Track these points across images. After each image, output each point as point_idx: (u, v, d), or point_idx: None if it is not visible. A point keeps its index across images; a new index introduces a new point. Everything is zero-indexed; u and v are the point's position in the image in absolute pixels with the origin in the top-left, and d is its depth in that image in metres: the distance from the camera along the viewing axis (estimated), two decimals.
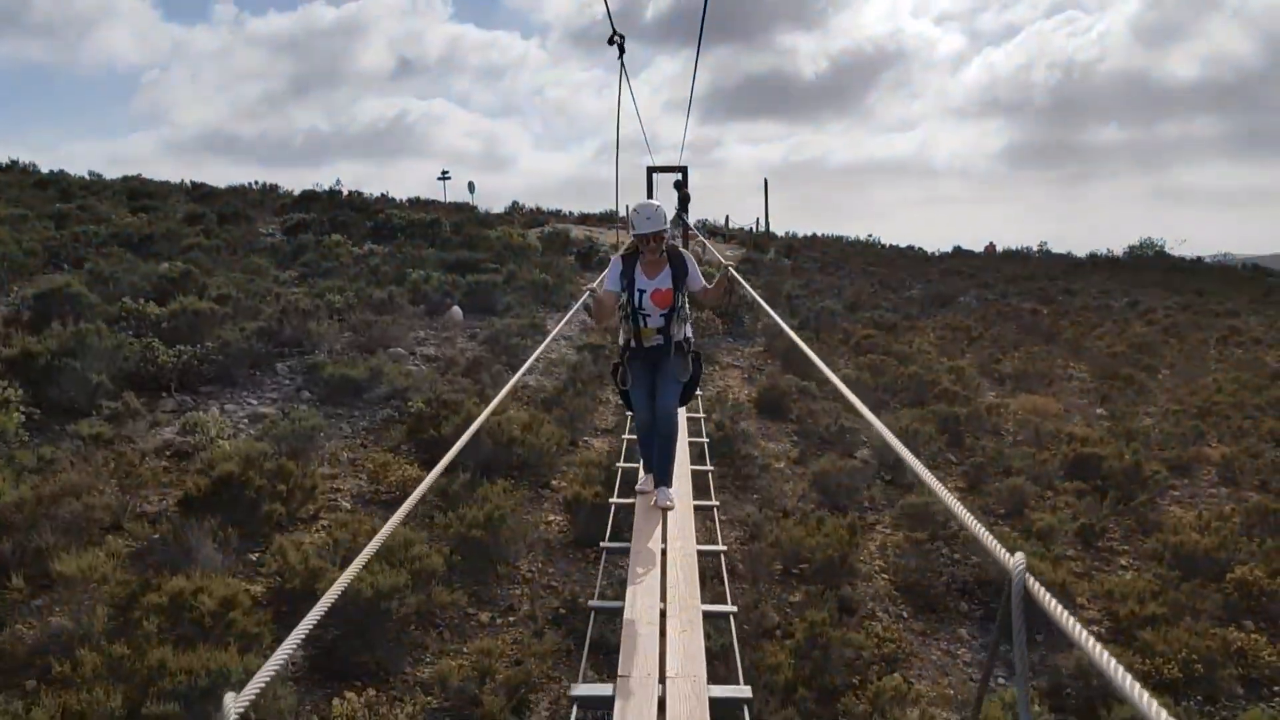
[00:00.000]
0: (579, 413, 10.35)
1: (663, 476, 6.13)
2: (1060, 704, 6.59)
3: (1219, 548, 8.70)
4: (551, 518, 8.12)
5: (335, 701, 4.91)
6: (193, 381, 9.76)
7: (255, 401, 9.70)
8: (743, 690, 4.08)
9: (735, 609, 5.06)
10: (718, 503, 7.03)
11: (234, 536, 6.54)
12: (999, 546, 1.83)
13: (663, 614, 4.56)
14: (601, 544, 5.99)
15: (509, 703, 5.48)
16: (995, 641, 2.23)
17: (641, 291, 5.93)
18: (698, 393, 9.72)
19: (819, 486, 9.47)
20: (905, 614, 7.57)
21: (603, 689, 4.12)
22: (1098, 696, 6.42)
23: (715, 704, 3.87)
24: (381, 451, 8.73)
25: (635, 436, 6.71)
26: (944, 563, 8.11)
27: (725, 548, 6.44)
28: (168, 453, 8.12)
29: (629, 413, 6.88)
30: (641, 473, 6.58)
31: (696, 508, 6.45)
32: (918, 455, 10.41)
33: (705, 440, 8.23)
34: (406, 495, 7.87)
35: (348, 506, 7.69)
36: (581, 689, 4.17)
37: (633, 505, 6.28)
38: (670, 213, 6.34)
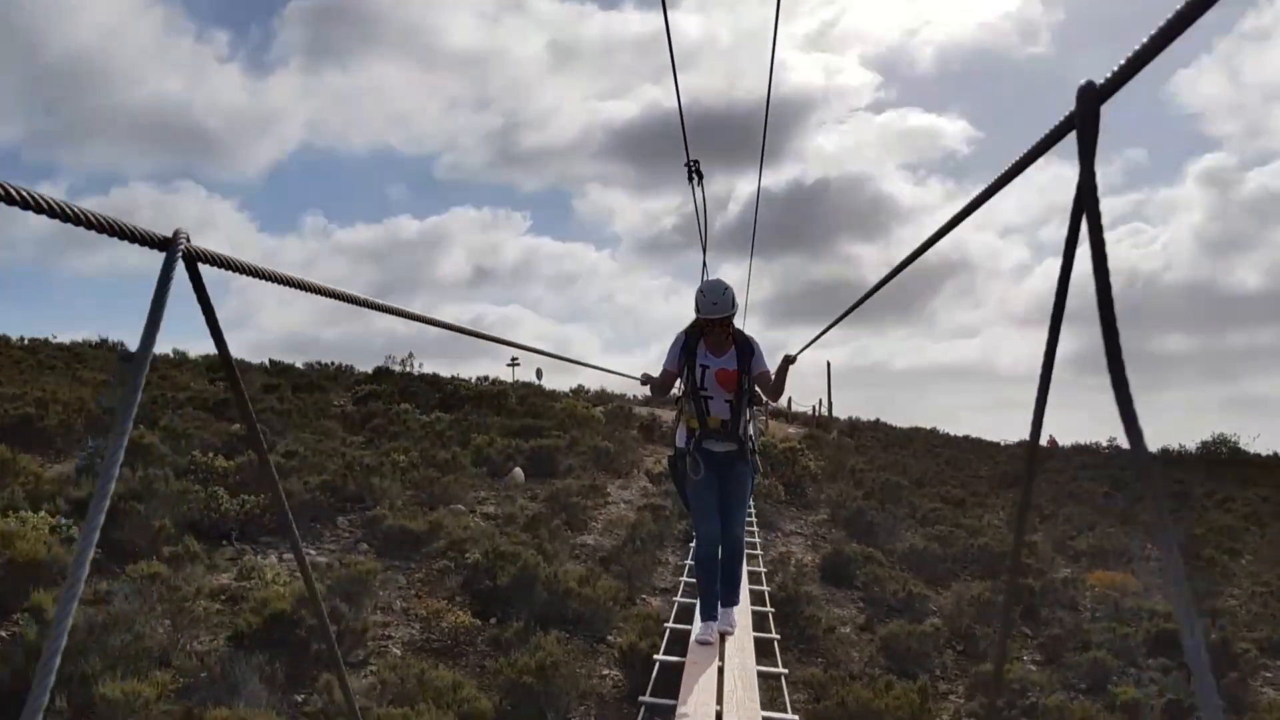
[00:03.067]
0: (637, 570, 10.14)
1: (728, 595, 5.65)
2: None
3: None
4: (606, 672, 7.84)
5: None
6: (254, 532, 9.80)
7: (314, 551, 9.68)
8: None
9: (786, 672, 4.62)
10: (785, 670, 5.97)
11: (280, 674, 6.40)
12: None
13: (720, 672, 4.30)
14: (642, 699, 5.15)
15: None
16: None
17: (705, 368, 5.44)
18: (760, 568, 9.45)
19: (887, 652, 9.06)
20: None
21: None
22: None
23: None
24: (435, 601, 8.58)
25: (692, 579, 6.35)
26: None
27: (796, 718, 5.42)
28: (223, 596, 8.07)
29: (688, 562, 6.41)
30: (698, 620, 5.93)
31: (760, 674, 5.59)
32: (988, 625, 9.96)
33: (769, 610, 7.75)
34: (458, 642, 7.71)
35: (398, 652, 7.51)
36: None
37: (681, 665, 5.41)
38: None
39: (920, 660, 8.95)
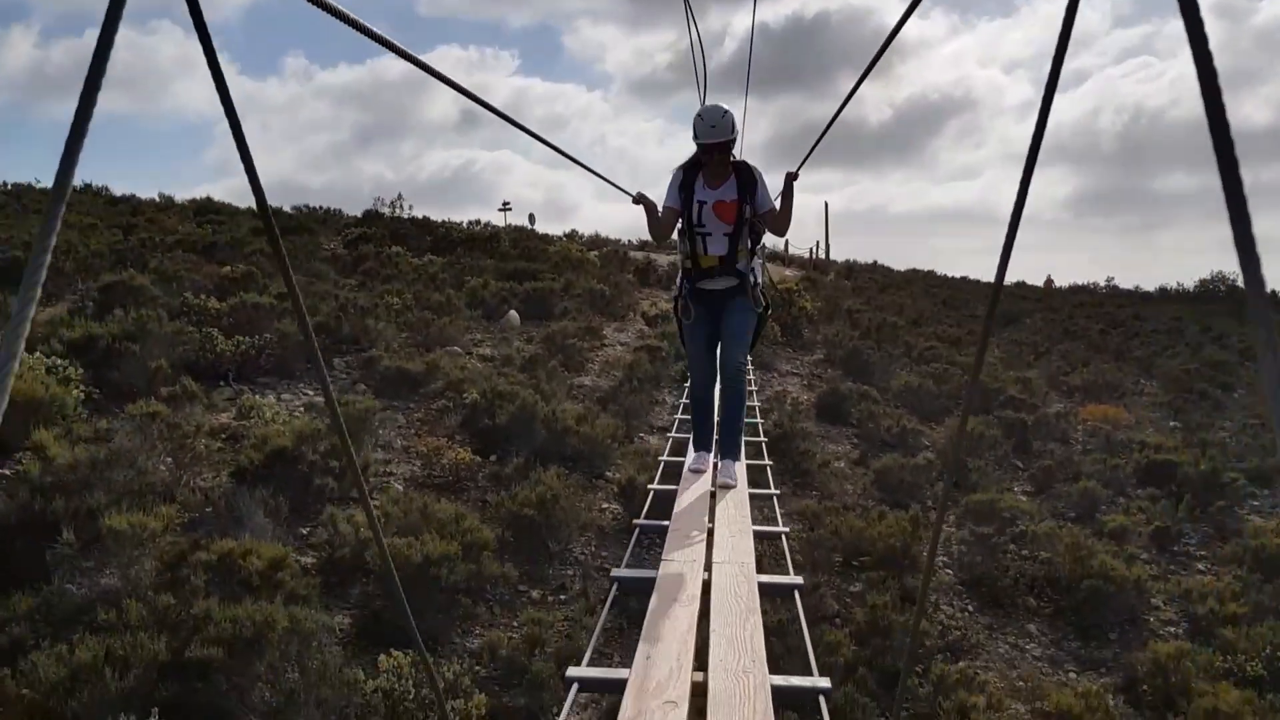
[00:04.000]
0: (634, 409, 10.21)
1: (727, 447, 5.32)
2: (1135, 700, 6.27)
3: None
4: (605, 505, 7.97)
5: (381, 657, 4.78)
6: (250, 372, 9.80)
7: (311, 392, 9.70)
8: (795, 579, 3.91)
9: (787, 530, 4.64)
10: (778, 491, 5.95)
11: (284, 507, 6.48)
12: None
13: (710, 533, 4.34)
14: (636, 521, 5.05)
15: (558, 671, 5.31)
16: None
17: (701, 204, 5.09)
18: (755, 403, 9.47)
19: (880, 485, 9.21)
20: (970, 607, 7.29)
21: (646, 573, 3.93)
22: (1176, 691, 6.11)
23: (765, 588, 3.67)
24: (435, 439, 8.65)
25: (687, 416, 6.11)
26: (1011, 559, 7.80)
27: (787, 529, 5.46)
28: (223, 435, 8.12)
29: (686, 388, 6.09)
30: (691, 450, 5.67)
31: (752, 496, 5.88)
32: (979, 458, 10.10)
33: (762, 440, 7.88)
34: (459, 478, 7.81)
35: (400, 488, 7.61)
36: (623, 573, 4.00)
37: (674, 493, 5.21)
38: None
39: (912, 492, 9.11)
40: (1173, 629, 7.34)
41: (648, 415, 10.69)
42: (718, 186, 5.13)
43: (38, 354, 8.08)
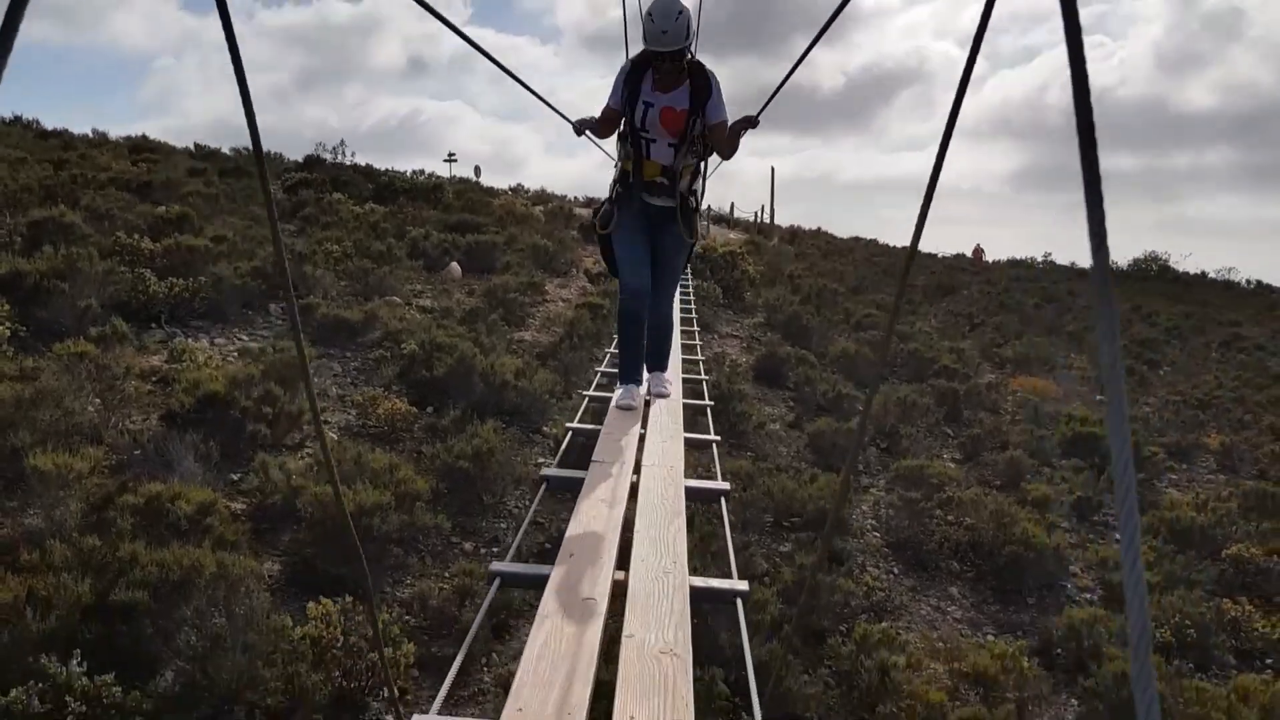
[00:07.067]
0: (574, 366, 10.22)
1: (656, 361, 5.15)
2: (1049, 663, 6.47)
3: (1215, 525, 8.60)
4: (541, 459, 7.99)
5: (310, 604, 4.78)
6: (183, 315, 9.61)
7: (246, 337, 9.57)
8: (721, 484, 3.97)
9: (728, 486, 4.55)
10: (718, 437, 5.64)
11: (216, 452, 6.40)
12: None
13: (641, 438, 4.36)
14: (544, 470, 4.70)
15: (489, 623, 5.35)
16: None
17: (648, 105, 4.65)
18: (699, 357, 9.55)
19: (814, 447, 9.35)
20: (896, 570, 7.45)
21: (575, 473, 3.97)
22: (1088, 654, 6.32)
23: (692, 493, 3.73)
24: (371, 389, 8.59)
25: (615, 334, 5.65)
26: (938, 524, 7.98)
27: (718, 438, 5.43)
28: (154, 378, 7.98)
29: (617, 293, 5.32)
30: (619, 384, 5.27)
31: (689, 441, 5.89)
32: (912, 425, 10.28)
33: (704, 378, 7.99)
34: (395, 429, 7.76)
35: (334, 436, 7.56)
36: (553, 471, 4.03)
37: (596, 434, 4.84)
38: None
39: (844, 455, 9.24)
40: (1089, 595, 7.57)
41: (587, 372, 10.69)
42: (668, 91, 4.70)
43: None
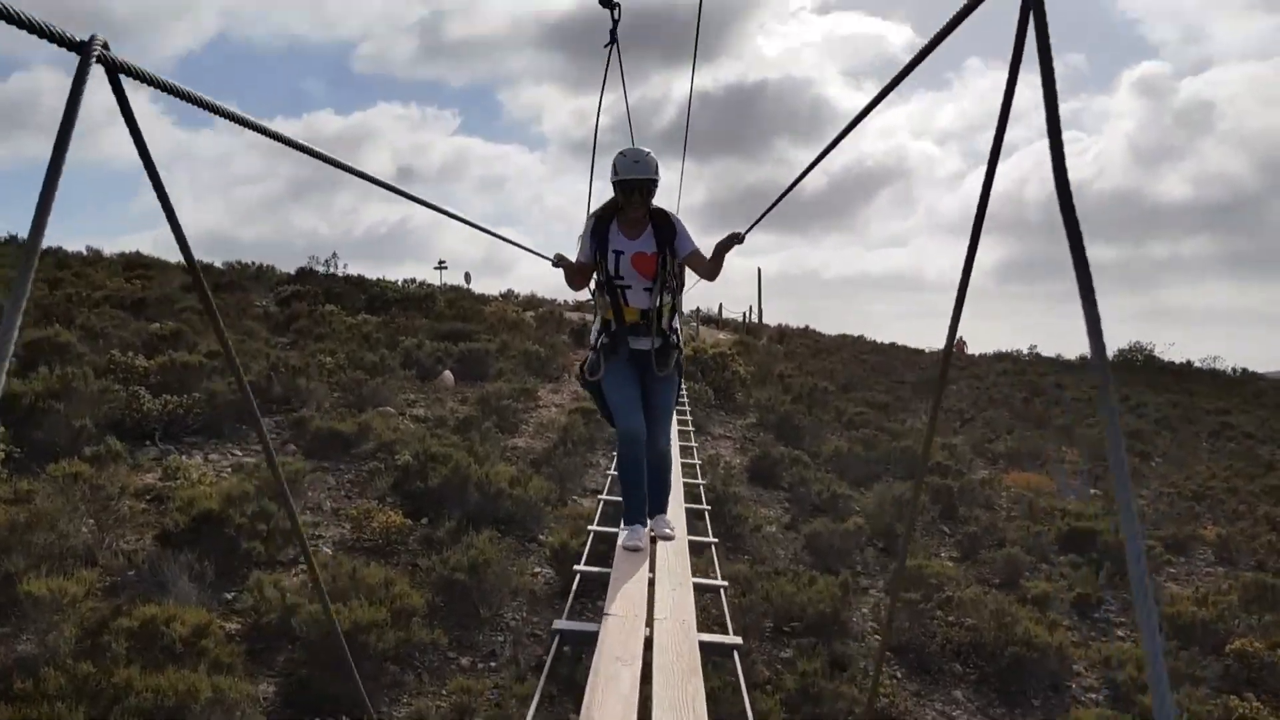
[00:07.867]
0: (569, 472, 10.22)
1: (657, 504, 5.22)
2: None
3: (1217, 619, 8.55)
4: (538, 569, 7.95)
5: None
6: (178, 432, 9.63)
7: (240, 453, 9.57)
8: (733, 638, 3.94)
9: (726, 584, 4.58)
10: (725, 584, 5.60)
11: (210, 570, 6.36)
12: None
13: (651, 583, 4.34)
14: (556, 625, 4.39)
15: None
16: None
17: (619, 254, 4.79)
18: (695, 461, 9.60)
19: (811, 549, 9.32)
20: (899, 674, 7.37)
21: (588, 626, 3.93)
22: None
23: (705, 647, 3.70)
24: (366, 501, 8.57)
25: (616, 474, 5.70)
26: (938, 625, 7.92)
27: (725, 583, 5.47)
28: (148, 496, 7.96)
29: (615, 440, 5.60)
30: (623, 524, 5.16)
31: (692, 544, 5.76)
32: (911, 524, 10.28)
33: (700, 483, 8.03)
34: (389, 542, 7.73)
35: (329, 551, 7.52)
36: (565, 625, 3.99)
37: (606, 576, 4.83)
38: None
39: (842, 557, 9.22)
40: (1094, 695, 7.49)
41: (582, 478, 10.70)
42: (635, 237, 4.86)
43: None
